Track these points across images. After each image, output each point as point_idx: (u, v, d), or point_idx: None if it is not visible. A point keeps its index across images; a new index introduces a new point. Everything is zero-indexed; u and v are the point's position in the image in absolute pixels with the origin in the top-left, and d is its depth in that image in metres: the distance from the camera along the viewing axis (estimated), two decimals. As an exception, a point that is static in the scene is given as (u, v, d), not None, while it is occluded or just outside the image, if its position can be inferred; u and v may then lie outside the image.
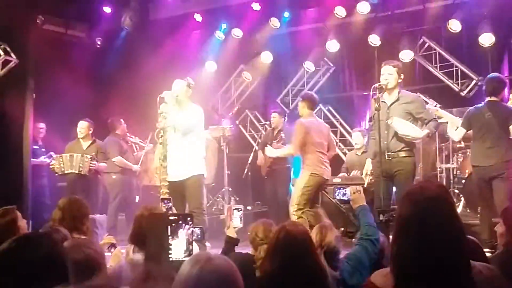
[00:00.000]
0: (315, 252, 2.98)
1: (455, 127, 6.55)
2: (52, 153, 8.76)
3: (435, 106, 7.17)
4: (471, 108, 6.57)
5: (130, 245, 3.78)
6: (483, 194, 6.30)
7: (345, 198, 4.29)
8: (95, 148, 8.52)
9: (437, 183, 2.15)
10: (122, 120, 9.01)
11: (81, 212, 4.13)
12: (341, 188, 4.47)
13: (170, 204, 4.95)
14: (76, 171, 8.16)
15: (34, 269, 1.78)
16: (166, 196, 5.85)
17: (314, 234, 3.42)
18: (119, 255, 4.09)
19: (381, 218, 4.40)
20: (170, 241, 2.78)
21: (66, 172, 8.22)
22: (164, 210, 4.64)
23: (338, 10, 9.71)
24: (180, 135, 6.20)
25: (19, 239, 1.97)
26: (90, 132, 8.60)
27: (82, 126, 8.54)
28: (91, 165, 8.19)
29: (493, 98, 6.26)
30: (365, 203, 3.99)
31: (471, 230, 6.29)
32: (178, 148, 6.18)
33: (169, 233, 2.71)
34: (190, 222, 2.82)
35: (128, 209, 8.67)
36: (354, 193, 4.02)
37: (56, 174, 8.44)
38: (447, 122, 6.75)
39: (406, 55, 9.29)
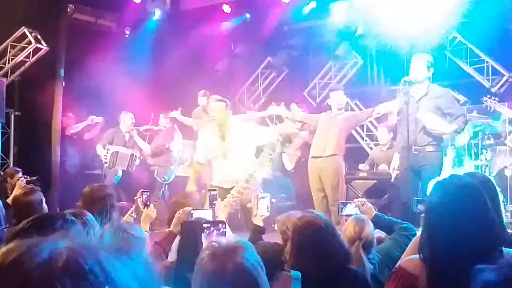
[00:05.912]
0: (336, 238, 2.93)
1: None
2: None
3: (493, 100, 7.08)
4: None
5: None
6: None
7: (351, 212, 4.16)
8: (133, 142, 8.88)
9: (481, 174, 2.14)
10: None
11: (100, 196, 3.95)
12: (346, 204, 4.38)
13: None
14: (124, 168, 8.64)
15: None
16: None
17: (351, 226, 3.40)
18: (151, 215, 4.22)
19: (419, 208, 4.23)
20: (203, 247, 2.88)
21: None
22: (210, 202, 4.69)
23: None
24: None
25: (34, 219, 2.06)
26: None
27: (131, 118, 8.87)
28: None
29: None
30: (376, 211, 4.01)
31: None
32: None
33: (202, 240, 2.80)
34: (223, 229, 2.92)
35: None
36: (362, 205, 4.00)
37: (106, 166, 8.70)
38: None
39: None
